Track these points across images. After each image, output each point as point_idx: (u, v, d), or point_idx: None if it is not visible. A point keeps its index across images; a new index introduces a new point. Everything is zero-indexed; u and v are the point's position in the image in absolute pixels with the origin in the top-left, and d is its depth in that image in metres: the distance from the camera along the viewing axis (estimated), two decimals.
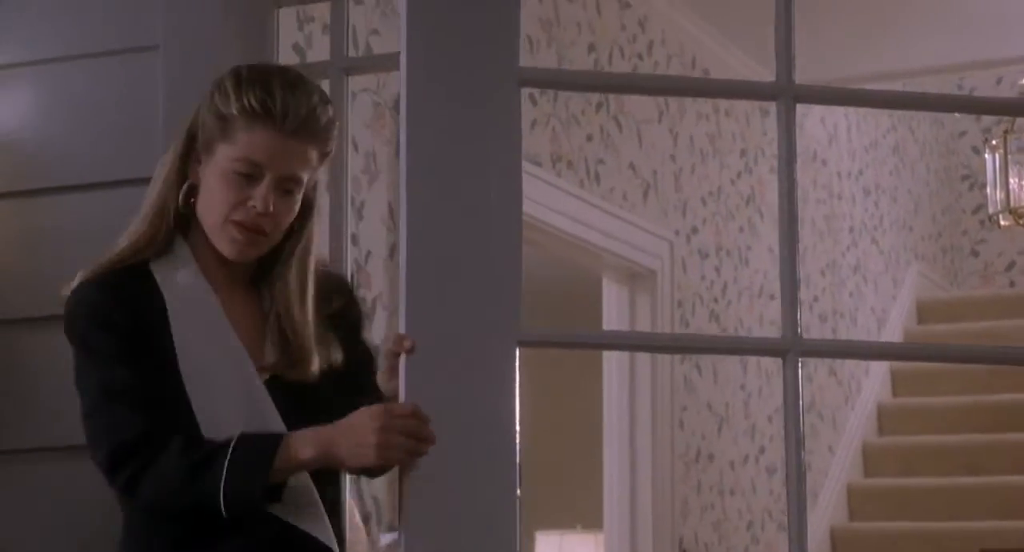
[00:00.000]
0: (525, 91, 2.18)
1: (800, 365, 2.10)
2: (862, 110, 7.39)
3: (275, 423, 2.07)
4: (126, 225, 2.58)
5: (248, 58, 2.60)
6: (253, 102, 2.04)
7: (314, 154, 2.10)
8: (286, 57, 3.06)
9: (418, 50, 2.05)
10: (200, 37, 2.57)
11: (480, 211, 2.05)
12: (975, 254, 8.77)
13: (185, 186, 2.14)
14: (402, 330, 1.99)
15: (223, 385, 2.07)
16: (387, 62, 2.97)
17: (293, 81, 2.09)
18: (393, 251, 3.91)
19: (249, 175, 2.06)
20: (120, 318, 2.06)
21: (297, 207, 2.12)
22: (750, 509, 5.94)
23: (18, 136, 2.67)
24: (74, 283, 2.14)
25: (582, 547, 6.47)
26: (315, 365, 2.13)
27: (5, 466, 2.61)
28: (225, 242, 2.10)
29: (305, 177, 2.10)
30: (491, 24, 2.09)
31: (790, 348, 2.10)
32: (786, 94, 2.14)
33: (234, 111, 2.06)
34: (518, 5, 2.11)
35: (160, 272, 2.11)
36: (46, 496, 2.57)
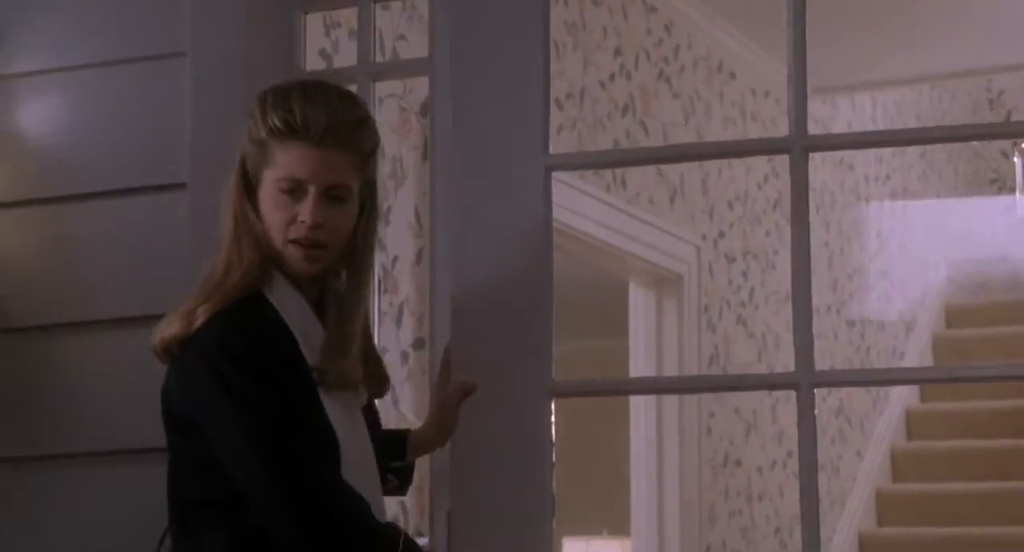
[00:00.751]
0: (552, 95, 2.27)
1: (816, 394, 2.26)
2: (889, 115, 7.37)
3: (373, 459, 2.18)
4: (154, 230, 2.60)
5: (275, 64, 2.61)
6: (277, 122, 2.08)
7: (351, 158, 2.12)
8: (313, 63, 3.07)
9: (462, 139, 2.37)
10: (227, 43, 2.57)
11: (516, 278, 2.34)
12: (1004, 258, 8.72)
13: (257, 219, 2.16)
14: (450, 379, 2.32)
15: (344, 415, 2.14)
16: (413, 67, 2.97)
17: (311, 92, 2.12)
18: (420, 256, 3.91)
19: (293, 191, 2.10)
20: (270, 363, 2.07)
21: (352, 215, 2.15)
22: (778, 515, 5.92)
23: (47, 142, 2.68)
24: (167, 320, 2.12)
25: None
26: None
27: (41, 471, 2.62)
28: (290, 262, 2.13)
29: (351, 183, 2.13)
30: (522, 114, 2.35)
31: (802, 381, 2.23)
32: (798, 146, 2.28)
33: (264, 135, 2.10)
34: (547, 97, 2.36)
35: (274, 299, 2.13)
36: (83, 500, 2.57)
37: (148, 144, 2.61)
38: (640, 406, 5.28)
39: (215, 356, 2.06)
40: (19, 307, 2.66)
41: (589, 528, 7.26)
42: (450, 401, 2.31)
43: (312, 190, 2.09)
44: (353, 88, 2.69)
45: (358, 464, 2.13)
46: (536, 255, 2.34)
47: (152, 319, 2.55)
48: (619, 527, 5.99)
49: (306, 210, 2.09)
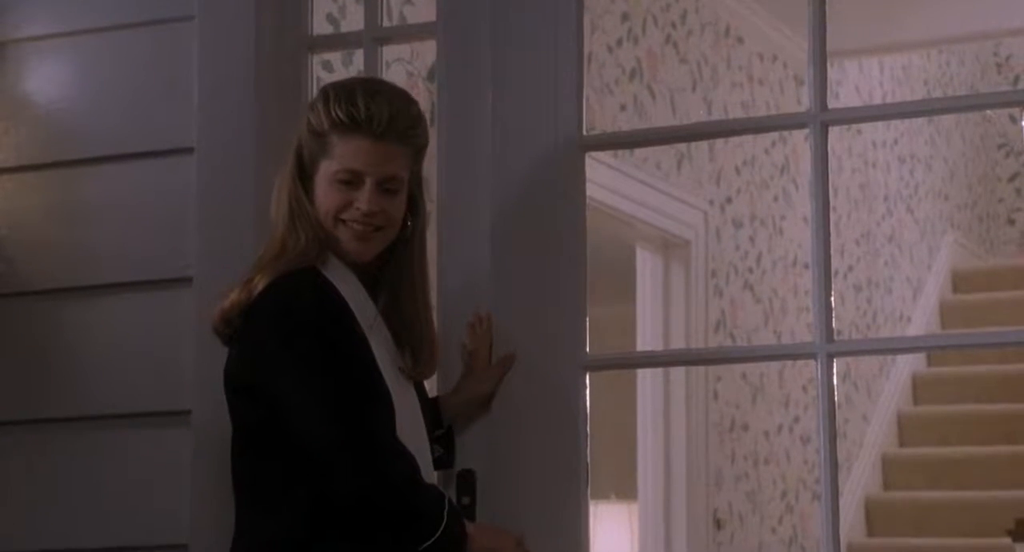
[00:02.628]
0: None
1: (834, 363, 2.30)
2: (897, 79, 7.35)
3: (424, 429, 2.25)
4: (162, 194, 2.61)
5: (282, 27, 2.61)
6: (341, 115, 2.18)
7: (406, 151, 2.22)
8: (320, 27, 3.06)
9: (501, 114, 2.43)
10: (235, 7, 2.57)
11: (551, 254, 2.39)
12: (1011, 222, 8.71)
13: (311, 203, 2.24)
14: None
15: (396, 382, 2.22)
16: (420, 32, 2.96)
17: (374, 89, 2.23)
18: (427, 221, 3.91)
19: (350, 181, 2.19)
20: (329, 324, 2.15)
21: (403, 204, 2.25)
22: (784, 479, 5.94)
23: (56, 107, 2.68)
24: (253, 286, 2.17)
25: (616, 517, 6.46)
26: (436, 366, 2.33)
27: (45, 434, 2.63)
28: (343, 242, 2.22)
29: (404, 175, 2.23)
30: (557, 95, 2.41)
31: (821, 351, 2.27)
32: (818, 120, 2.31)
33: (327, 127, 2.19)
34: (582, 80, 2.42)
35: (329, 274, 2.20)
36: (88, 463, 2.59)
37: (156, 108, 2.62)
38: (647, 370, 5.29)
39: (276, 318, 2.15)
40: (27, 271, 2.66)
41: (597, 492, 7.28)
42: (493, 373, 2.37)
43: (369, 181, 2.19)
44: (360, 53, 2.69)
45: (411, 433, 2.19)
46: (571, 233, 2.40)
47: (160, 283, 2.57)
48: (626, 491, 6.00)
49: (363, 199, 2.19)
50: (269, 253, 2.21)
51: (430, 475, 2.23)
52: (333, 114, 2.17)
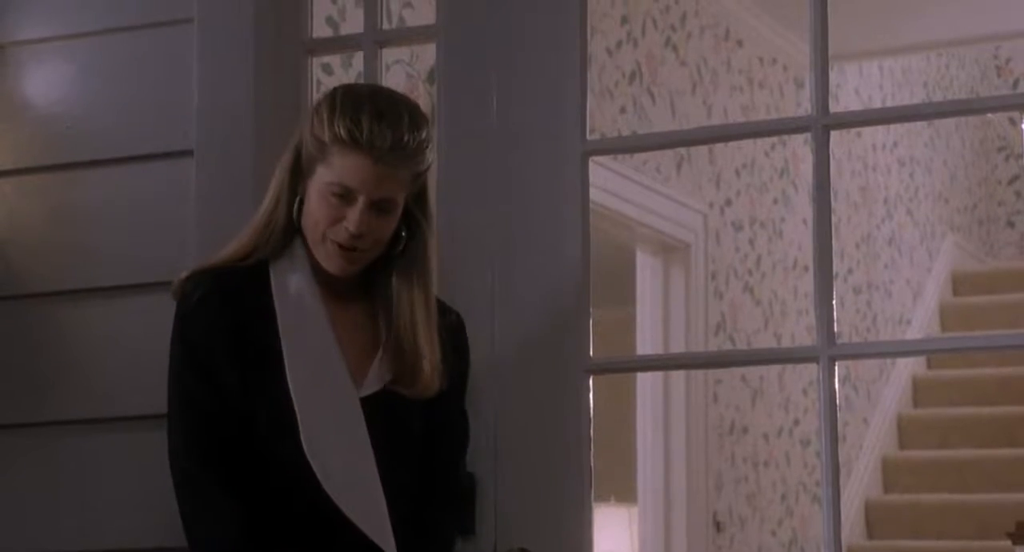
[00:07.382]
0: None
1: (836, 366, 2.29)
2: (897, 82, 7.36)
3: (364, 443, 2.15)
4: (161, 197, 2.61)
5: (282, 30, 2.61)
6: (342, 131, 2.11)
7: (405, 175, 2.16)
8: (320, 30, 3.06)
9: (502, 118, 2.43)
10: (233, 10, 2.57)
11: (555, 258, 2.40)
12: (1011, 225, 8.71)
13: (296, 200, 2.21)
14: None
15: (322, 395, 2.16)
16: (420, 34, 2.97)
17: (382, 109, 2.14)
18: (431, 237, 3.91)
19: (343, 195, 2.14)
20: (221, 324, 2.16)
21: (394, 223, 2.19)
22: (784, 481, 5.94)
23: (54, 110, 2.68)
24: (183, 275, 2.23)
25: (616, 520, 6.46)
26: (434, 384, 2.20)
27: (45, 438, 2.63)
28: (323, 258, 2.18)
29: (399, 197, 2.17)
30: (560, 99, 2.41)
31: (823, 354, 2.26)
32: (819, 124, 2.30)
33: (327, 138, 2.13)
34: (586, 86, 2.43)
35: (276, 273, 2.20)
36: (88, 466, 2.58)
37: (155, 111, 2.61)
38: (647, 373, 5.29)
39: (176, 316, 2.21)
40: (26, 274, 2.66)
41: (596, 495, 7.27)
42: None
43: (361, 200, 2.13)
44: (360, 55, 2.68)
45: (333, 443, 2.13)
46: (574, 238, 2.40)
47: (159, 286, 2.56)
48: (626, 494, 6.00)
49: (352, 218, 2.13)
50: (228, 246, 2.23)
51: (365, 504, 2.12)
52: (336, 127, 2.11)
